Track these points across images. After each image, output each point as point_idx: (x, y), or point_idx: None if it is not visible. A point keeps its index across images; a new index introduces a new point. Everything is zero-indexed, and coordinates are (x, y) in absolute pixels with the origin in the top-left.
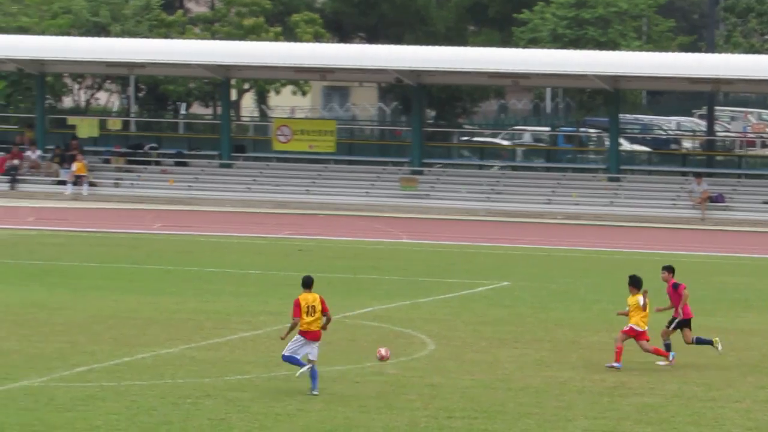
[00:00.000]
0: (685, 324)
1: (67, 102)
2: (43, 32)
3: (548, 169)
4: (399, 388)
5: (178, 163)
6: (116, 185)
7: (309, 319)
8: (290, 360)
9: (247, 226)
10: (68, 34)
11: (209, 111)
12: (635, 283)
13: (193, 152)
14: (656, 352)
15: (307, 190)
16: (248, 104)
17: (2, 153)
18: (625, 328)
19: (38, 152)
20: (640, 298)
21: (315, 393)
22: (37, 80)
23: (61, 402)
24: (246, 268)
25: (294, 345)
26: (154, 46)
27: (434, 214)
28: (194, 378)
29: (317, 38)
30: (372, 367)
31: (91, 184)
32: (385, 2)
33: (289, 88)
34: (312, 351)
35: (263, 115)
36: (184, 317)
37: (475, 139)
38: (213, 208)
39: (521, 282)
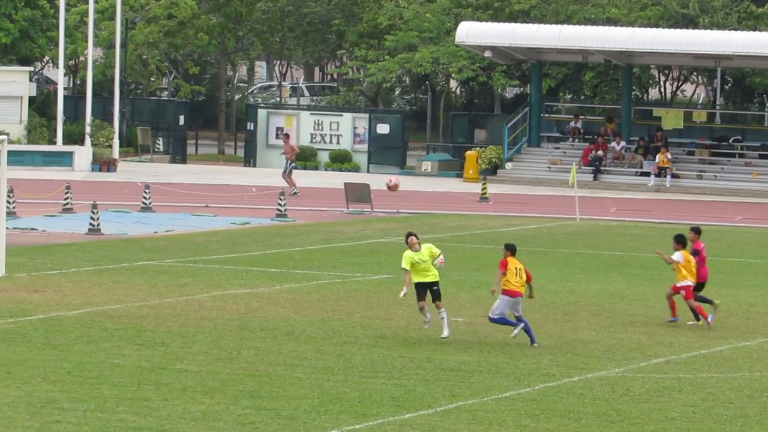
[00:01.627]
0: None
1: (653, 94)
2: (631, 24)
3: None
4: None
5: (762, 156)
6: (699, 177)
7: (516, 280)
8: (501, 321)
9: None
10: (657, 25)
11: None
12: (680, 241)
13: None
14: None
15: None
16: None
17: (587, 144)
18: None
19: (622, 143)
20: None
21: (535, 345)
22: (623, 71)
23: (637, 393)
24: None
25: (501, 304)
26: (742, 38)
27: None
28: None
29: None
30: None
31: (674, 176)
32: None
33: None
34: (517, 307)
35: None
36: (763, 310)
37: None
38: None
39: None
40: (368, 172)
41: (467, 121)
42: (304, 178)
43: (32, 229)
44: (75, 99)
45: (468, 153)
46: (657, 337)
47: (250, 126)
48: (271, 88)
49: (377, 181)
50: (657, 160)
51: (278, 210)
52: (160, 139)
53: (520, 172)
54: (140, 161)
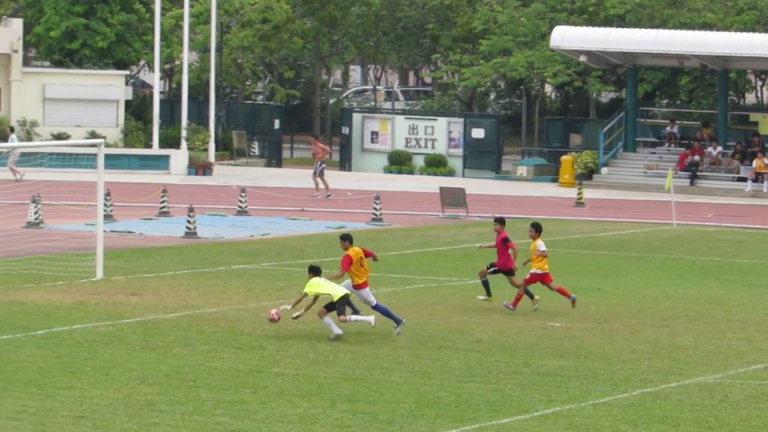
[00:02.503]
0: (507, 273)
1: (750, 98)
2: (727, 28)
3: None
4: None
5: None
6: None
7: (361, 270)
8: (384, 310)
9: None
10: (753, 30)
11: None
12: (537, 228)
13: None
14: (561, 291)
15: None
16: None
17: (683, 149)
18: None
19: (719, 148)
20: (539, 243)
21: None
22: (719, 76)
23: (736, 399)
24: None
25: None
26: None
27: None
28: None
29: None
30: None
31: None
32: None
33: None
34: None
35: None
36: None
37: None
38: None
39: None
40: (463, 176)
41: (562, 125)
42: (399, 182)
43: (129, 232)
44: (171, 103)
45: (563, 158)
46: (755, 343)
47: (345, 130)
48: (365, 92)
49: (472, 185)
50: (754, 165)
51: (374, 214)
52: (256, 142)
53: (615, 177)
54: (236, 165)
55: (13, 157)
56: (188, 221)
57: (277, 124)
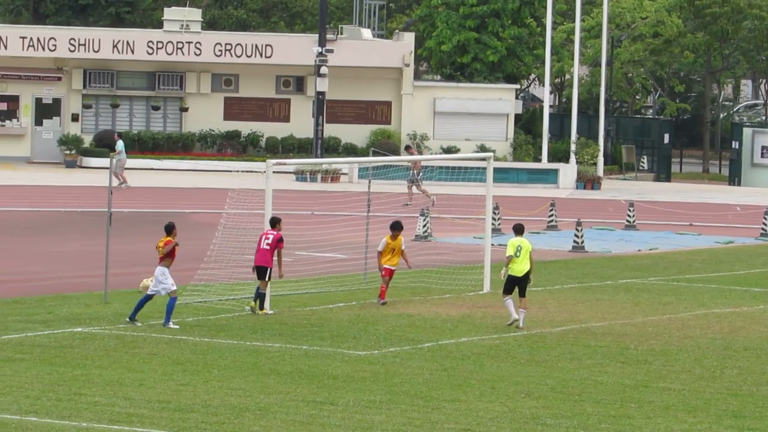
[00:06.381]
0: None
1: None
2: None
3: None
4: None
5: None
6: None
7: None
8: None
9: None
10: None
11: None
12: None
13: None
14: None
15: None
16: None
17: None
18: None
19: None
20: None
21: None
22: None
23: None
24: None
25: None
26: None
27: None
28: None
29: None
30: None
31: None
32: None
33: None
34: None
35: None
36: None
37: None
38: None
39: None
40: None
41: None
42: None
43: None
44: (560, 117)
45: None
46: None
47: (735, 145)
48: (756, 107)
49: None
50: None
51: (763, 229)
52: (645, 157)
53: None
54: (624, 179)
55: (121, 163)
56: (576, 235)
57: (666, 138)
